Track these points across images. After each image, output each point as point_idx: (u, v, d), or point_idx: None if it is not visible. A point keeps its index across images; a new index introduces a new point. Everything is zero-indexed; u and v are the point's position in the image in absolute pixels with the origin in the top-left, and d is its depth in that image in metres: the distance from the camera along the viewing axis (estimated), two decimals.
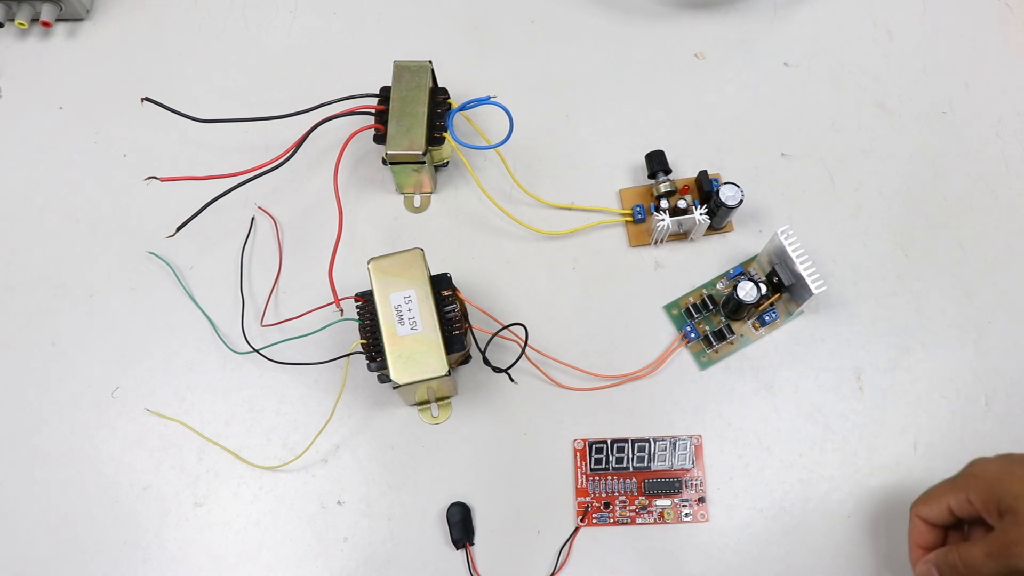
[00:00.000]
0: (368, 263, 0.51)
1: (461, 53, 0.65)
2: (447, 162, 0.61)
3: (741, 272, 0.58)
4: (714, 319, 0.57)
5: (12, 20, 0.64)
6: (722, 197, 0.55)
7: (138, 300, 0.58)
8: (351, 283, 0.55)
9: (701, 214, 0.56)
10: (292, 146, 0.56)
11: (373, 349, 0.50)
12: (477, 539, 0.53)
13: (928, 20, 0.66)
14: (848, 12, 0.67)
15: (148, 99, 0.57)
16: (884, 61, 0.65)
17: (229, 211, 0.59)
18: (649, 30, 0.66)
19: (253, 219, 0.60)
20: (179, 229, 0.55)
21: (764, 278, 0.57)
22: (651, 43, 0.66)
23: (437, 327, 0.49)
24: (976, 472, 0.46)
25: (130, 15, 0.67)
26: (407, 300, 0.50)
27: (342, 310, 0.54)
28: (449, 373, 0.49)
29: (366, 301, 0.51)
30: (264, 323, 0.57)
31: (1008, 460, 0.45)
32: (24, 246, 0.60)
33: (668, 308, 0.58)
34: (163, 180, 0.55)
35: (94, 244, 0.60)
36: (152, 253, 0.59)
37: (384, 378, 0.52)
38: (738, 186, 0.55)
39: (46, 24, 0.64)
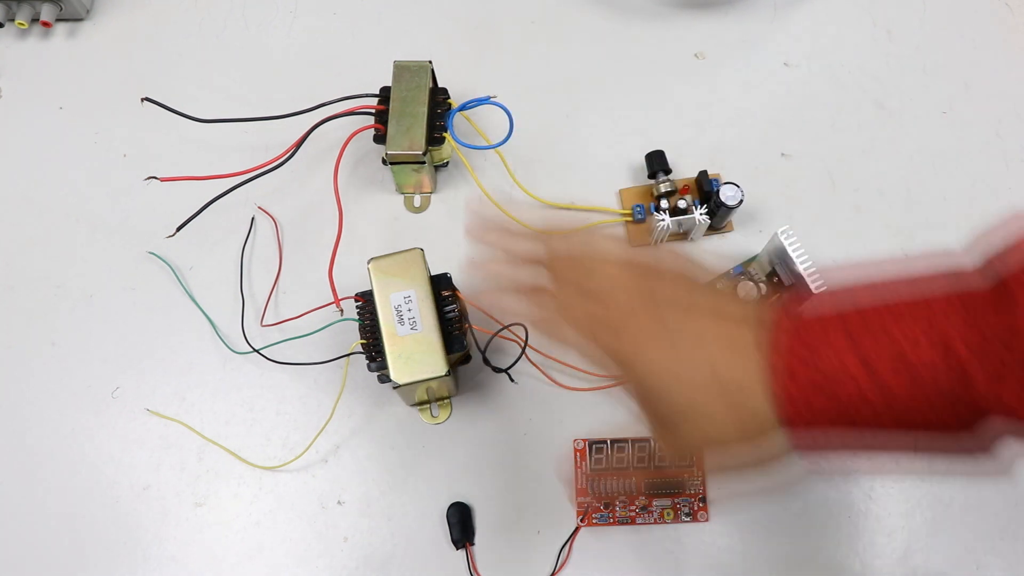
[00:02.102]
0: (368, 263, 0.51)
1: (461, 53, 0.65)
2: (447, 162, 0.61)
3: (741, 272, 0.58)
4: None
5: (12, 20, 0.64)
6: (722, 197, 0.55)
7: (138, 300, 0.58)
8: (351, 283, 0.55)
9: (701, 214, 0.56)
10: (292, 146, 0.56)
11: (373, 349, 0.50)
12: (477, 539, 0.53)
13: (928, 20, 0.66)
14: (848, 12, 0.67)
15: (148, 99, 0.57)
16: (884, 61, 0.65)
17: (229, 211, 0.59)
18: (649, 30, 0.66)
19: (253, 219, 0.60)
20: (179, 229, 0.55)
21: (764, 278, 0.57)
22: (651, 43, 0.66)
23: (437, 327, 0.49)
24: (627, 354, 0.35)
25: (130, 15, 0.67)
26: (407, 300, 0.50)
27: (342, 310, 0.54)
28: (449, 373, 0.49)
29: (366, 301, 0.51)
30: (264, 323, 0.57)
31: (667, 343, 0.34)
32: (24, 246, 0.60)
33: None
34: (163, 180, 0.55)
35: (94, 244, 0.60)
36: (152, 253, 0.59)
37: (384, 378, 0.52)
38: (738, 186, 0.55)
39: (46, 24, 0.64)
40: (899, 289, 0.32)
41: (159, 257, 0.59)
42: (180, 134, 0.62)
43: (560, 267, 0.38)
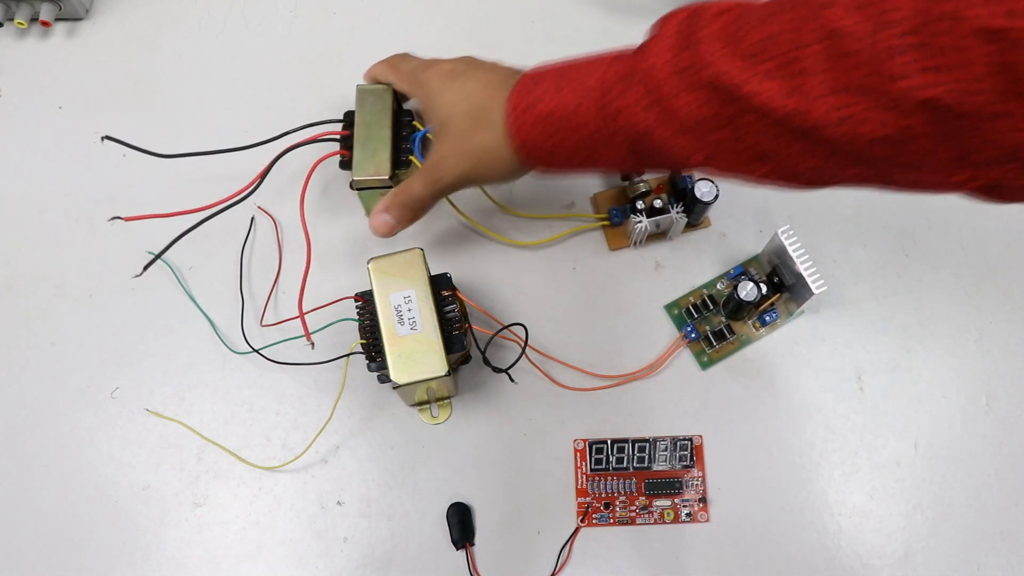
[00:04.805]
0: (368, 263, 0.51)
1: (460, 53, 0.65)
2: None
3: (741, 272, 0.58)
4: (714, 319, 0.57)
5: (11, 19, 0.64)
6: (697, 194, 0.55)
7: (138, 300, 0.58)
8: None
9: (678, 212, 0.56)
10: (256, 178, 0.55)
11: (373, 349, 0.50)
12: (477, 539, 0.53)
13: None
14: None
15: (108, 137, 0.58)
16: None
17: (229, 211, 0.59)
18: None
19: (253, 219, 0.60)
20: (145, 269, 0.56)
21: (764, 278, 0.57)
22: None
23: (437, 327, 0.49)
24: (424, 82, 0.51)
25: (130, 15, 0.67)
26: (407, 300, 0.50)
27: (313, 344, 0.53)
28: (449, 373, 0.49)
29: (366, 301, 0.51)
30: (264, 323, 0.57)
31: (449, 78, 0.50)
32: (24, 246, 0.60)
33: (668, 308, 0.58)
34: (127, 220, 0.56)
35: (94, 244, 0.60)
36: (152, 253, 0.59)
37: (384, 378, 0.52)
38: (712, 181, 0.55)
39: (45, 24, 0.64)
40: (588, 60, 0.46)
41: (159, 258, 0.59)
42: (178, 135, 0.62)
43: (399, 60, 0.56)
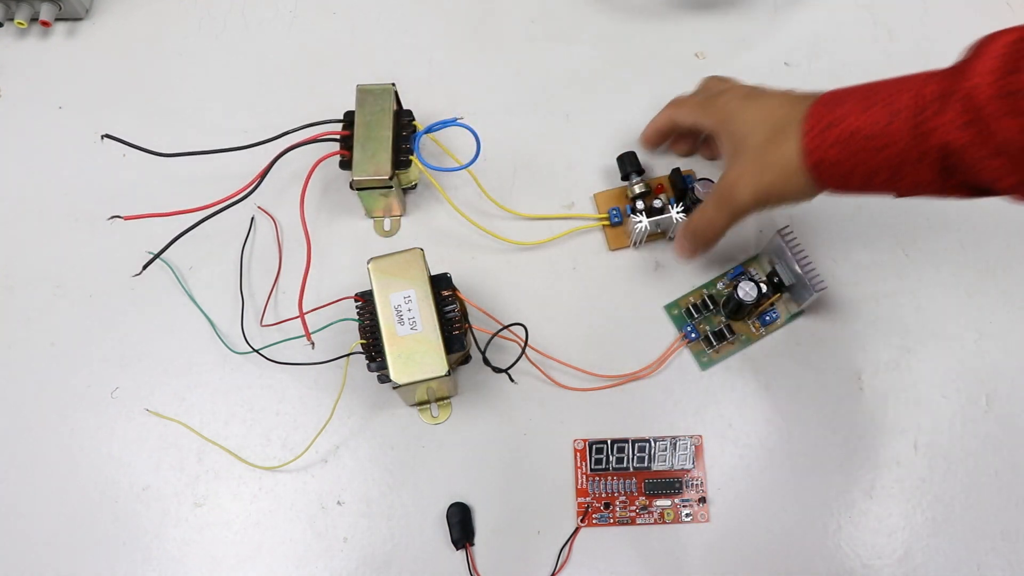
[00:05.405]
0: (368, 263, 0.51)
1: (461, 53, 0.65)
2: (415, 184, 0.60)
3: (741, 272, 0.58)
4: (714, 319, 0.57)
5: (11, 19, 0.64)
6: (697, 194, 0.55)
7: (138, 300, 0.58)
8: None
9: (678, 212, 0.56)
10: (256, 178, 0.55)
11: (373, 349, 0.50)
12: (477, 539, 0.53)
13: (928, 20, 0.66)
14: (848, 12, 0.66)
15: (108, 136, 0.57)
16: (885, 60, 0.65)
17: (229, 211, 0.59)
18: (649, 30, 0.66)
19: (253, 219, 0.60)
20: (145, 268, 0.56)
21: (764, 278, 0.57)
22: (651, 43, 0.66)
23: (437, 327, 0.49)
24: (721, 105, 0.51)
25: (129, 15, 0.67)
26: (407, 300, 0.50)
27: (313, 344, 0.54)
28: (449, 373, 0.49)
29: (366, 301, 0.51)
30: (264, 323, 0.57)
31: (747, 98, 0.50)
32: (24, 246, 0.60)
33: (668, 308, 0.58)
34: (127, 219, 0.55)
35: (94, 244, 0.60)
36: (152, 253, 0.59)
37: (384, 378, 0.52)
38: (712, 181, 0.55)
39: (45, 23, 0.64)
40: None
41: (159, 257, 0.59)
42: (178, 134, 0.62)
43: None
